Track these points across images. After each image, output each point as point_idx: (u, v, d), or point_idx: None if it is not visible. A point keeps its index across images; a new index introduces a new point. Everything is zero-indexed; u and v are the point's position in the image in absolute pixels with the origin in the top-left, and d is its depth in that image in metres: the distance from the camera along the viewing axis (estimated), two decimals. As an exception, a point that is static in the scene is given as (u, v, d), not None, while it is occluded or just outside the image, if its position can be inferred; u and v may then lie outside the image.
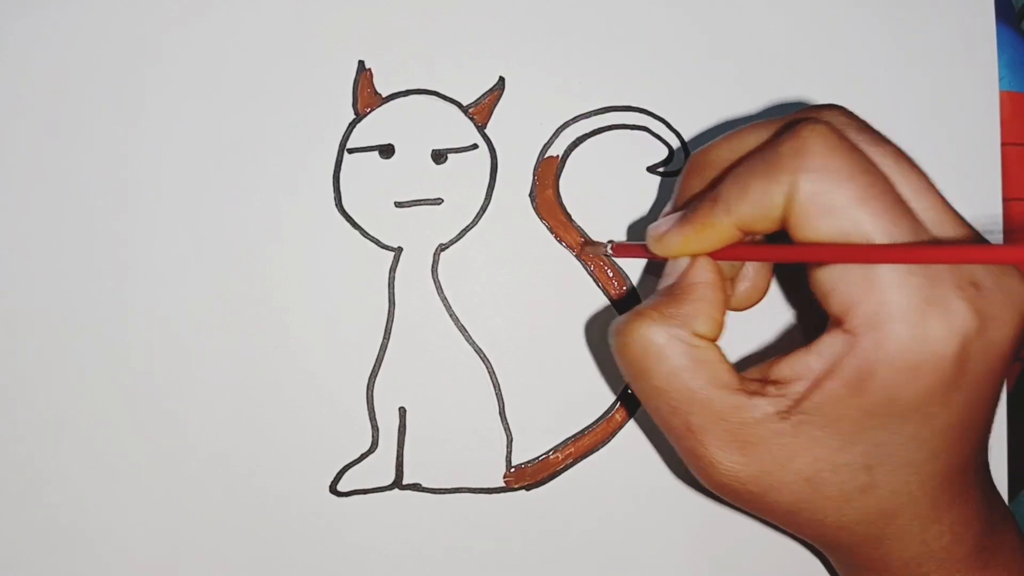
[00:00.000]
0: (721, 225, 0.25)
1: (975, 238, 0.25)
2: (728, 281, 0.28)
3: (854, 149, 0.24)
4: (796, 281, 0.33)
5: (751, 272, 0.29)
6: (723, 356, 0.26)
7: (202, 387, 0.32)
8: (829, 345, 0.24)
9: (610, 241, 0.31)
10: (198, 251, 0.33)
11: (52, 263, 0.33)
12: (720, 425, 0.25)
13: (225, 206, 0.33)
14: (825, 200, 0.23)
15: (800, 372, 0.25)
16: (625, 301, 0.33)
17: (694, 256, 0.26)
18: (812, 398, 0.24)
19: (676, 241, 0.26)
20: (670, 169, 0.33)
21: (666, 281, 0.27)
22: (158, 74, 0.33)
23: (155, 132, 0.33)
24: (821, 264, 0.24)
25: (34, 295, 0.33)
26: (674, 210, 0.28)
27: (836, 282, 0.24)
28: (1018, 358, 0.35)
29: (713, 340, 0.26)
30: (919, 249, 0.23)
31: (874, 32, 0.33)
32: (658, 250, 0.27)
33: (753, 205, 0.24)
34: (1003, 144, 0.33)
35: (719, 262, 0.27)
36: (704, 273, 0.26)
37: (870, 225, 0.23)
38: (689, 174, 0.28)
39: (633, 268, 0.33)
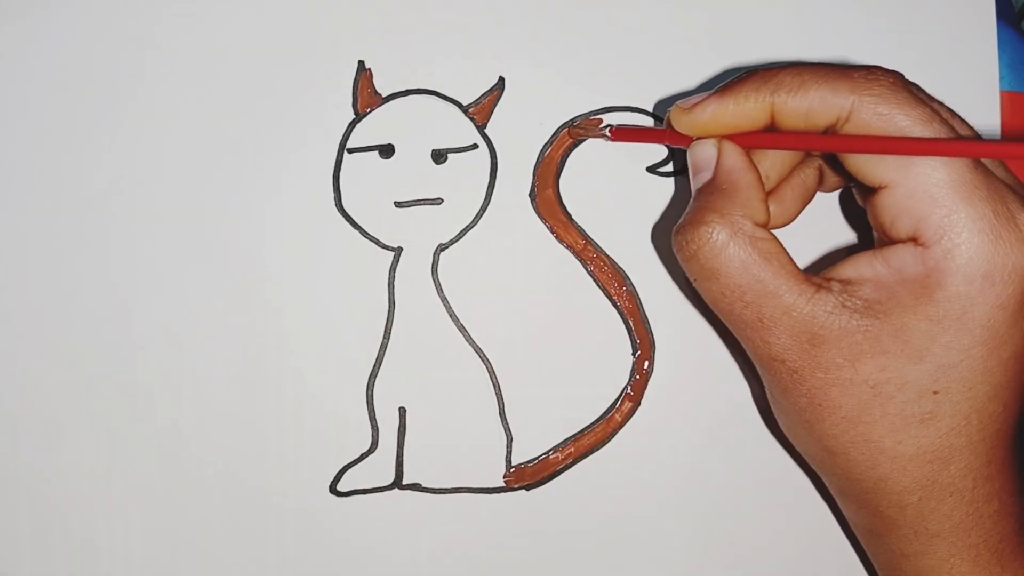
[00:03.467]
0: (763, 103, 0.25)
1: None
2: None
3: (918, 94, 0.25)
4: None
5: (788, 195, 0.29)
6: (784, 248, 0.26)
7: (202, 387, 0.32)
8: (898, 253, 0.25)
9: (607, 125, 0.31)
10: (198, 251, 0.33)
11: (51, 263, 0.33)
12: (791, 316, 0.25)
13: (225, 206, 0.33)
14: (888, 119, 0.24)
15: (866, 275, 0.25)
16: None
17: (722, 142, 0.27)
18: (881, 302, 0.24)
19: (709, 112, 0.26)
20: (669, 169, 0.33)
21: (701, 178, 0.27)
22: (157, 74, 0.33)
23: (155, 132, 0.33)
24: (882, 190, 0.24)
25: (33, 295, 0.33)
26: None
27: (904, 202, 0.24)
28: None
29: (767, 227, 0.26)
30: (970, 144, 0.23)
31: (874, 32, 0.33)
32: (683, 123, 0.27)
33: (805, 100, 0.25)
34: (1003, 144, 0.33)
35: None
36: (739, 159, 0.26)
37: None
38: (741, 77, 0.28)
39: (633, 268, 0.33)
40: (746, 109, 0.26)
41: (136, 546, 0.33)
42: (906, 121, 0.24)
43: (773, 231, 0.27)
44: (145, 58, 0.33)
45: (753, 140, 0.26)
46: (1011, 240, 0.23)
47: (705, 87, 0.33)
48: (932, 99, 0.26)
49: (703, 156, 0.27)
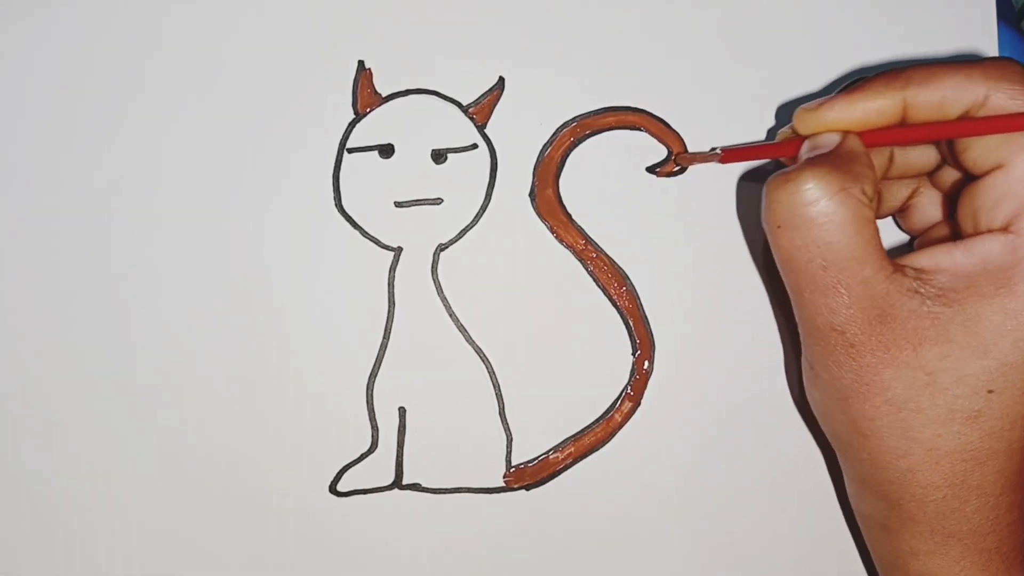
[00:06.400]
0: (894, 97, 0.25)
1: None
2: None
3: None
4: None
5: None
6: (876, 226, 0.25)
7: (202, 387, 0.32)
8: (984, 243, 0.24)
9: (713, 149, 0.30)
10: (198, 251, 0.33)
11: (51, 263, 0.33)
12: (866, 287, 0.24)
13: (225, 206, 0.33)
14: (1022, 106, 0.24)
15: (942, 264, 0.25)
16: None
17: (846, 133, 0.26)
18: (957, 291, 0.24)
19: (837, 110, 0.26)
20: (670, 169, 0.33)
21: (817, 151, 0.26)
22: (158, 74, 0.33)
23: (155, 132, 0.33)
24: (989, 175, 0.24)
25: (33, 295, 0.33)
26: None
27: (1014, 185, 0.24)
28: None
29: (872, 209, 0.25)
30: None
31: (875, 32, 0.33)
32: (808, 123, 0.26)
33: (938, 91, 0.25)
34: (1004, 144, 0.33)
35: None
36: (860, 145, 0.26)
37: None
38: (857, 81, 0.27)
39: (633, 268, 0.33)
40: (877, 106, 0.25)
41: (136, 546, 0.33)
42: None
43: None
44: (145, 58, 0.33)
45: (877, 136, 0.26)
46: None
47: (705, 87, 0.33)
48: None
49: (823, 140, 0.26)
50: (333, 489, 0.33)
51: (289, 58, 0.33)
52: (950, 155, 0.27)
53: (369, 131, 0.33)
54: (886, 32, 0.33)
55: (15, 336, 0.33)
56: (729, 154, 0.30)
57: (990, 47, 0.33)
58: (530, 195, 0.33)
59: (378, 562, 0.33)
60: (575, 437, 0.33)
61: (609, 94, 0.33)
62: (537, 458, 0.33)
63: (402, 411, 0.33)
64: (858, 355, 0.25)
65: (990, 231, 0.25)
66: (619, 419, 0.33)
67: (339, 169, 0.33)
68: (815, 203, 0.24)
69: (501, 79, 0.33)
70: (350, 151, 0.33)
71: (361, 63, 0.33)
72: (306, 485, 0.32)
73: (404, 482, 0.33)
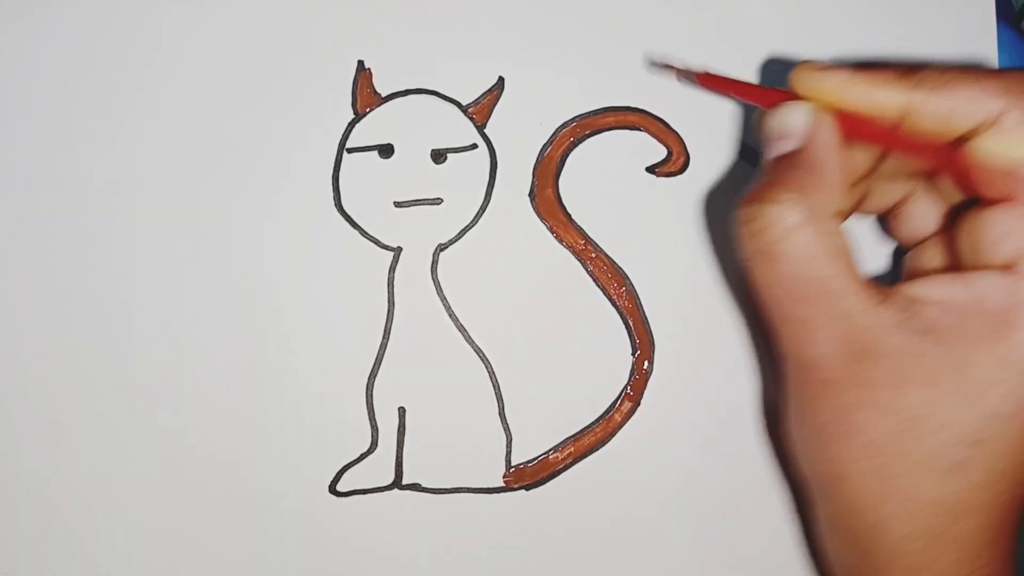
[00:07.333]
0: (898, 95, 0.23)
1: None
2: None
3: None
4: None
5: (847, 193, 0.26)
6: (852, 247, 0.23)
7: (201, 387, 0.32)
8: (984, 279, 0.22)
9: (692, 70, 0.29)
10: (197, 251, 0.33)
11: (51, 263, 0.33)
12: (842, 323, 0.23)
13: (224, 206, 0.33)
14: None
15: (937, 296, 0.23)
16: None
17: (820, 112, 0.24)
18: (949, 329, 0.22)
19: (837, 81, 0.24)
20: (670, 169, 0.33)
21: (782, 147, 0.24)
22: (157, 73, 0.33)
23: (154, 131, 0.33)
24: (995, 206, 0.22)
25: (33, 295, 0.33)
26: None
27: (1016, 224, 0.22)
28: None
29: (843, 219, 0.24)
30: None
31: (874, 32, 0.33)
32: (804, 83, 0.24)
33: (950, 101, 0.22)
34: (1004, 144, 0.33)
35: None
36: (832, 135, 0.24)
37: None
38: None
39: (633, 268, 0.33)
40: (879, 96, 0.23)
41: (136, 546, 0.33)
42: None
43: None
44: (145, 58, 0.33)
45: (863, 129, 0.24)
46: None
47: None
48: None
49: (792, 122, 0.24)
50: (333, 489, 0.33)
51: (289, 58, 0.33)
52: (955, 171, 0.25)
53: (369, 131, 0.33)
54: (886, 32, 0.33)
55: (15, 336, 0.33)
56: (706, 79, 0.28)
57: (990, 47, 0.33)
58: (530, 195, 0.33)
59: (378, 562, 0.33)
60: (575, 437, 0.33)
61: (609, 94, 0.33)
62: (537, 458, 0.33)
63: (402, 411, 0.33)
64: (836, 394, 0.23)
65: (990, 267, 0.23)
66: (619, 419, 0.33)
67: (339, 169, 0.33)
68: (781, 240, 0.23)
69: (501, 79, 0.33)
70: (350, 151, 0.33)
71: (361, 63, 0.33)
72: (306, 485, 0.32)
73: (404, 482, 0.33)
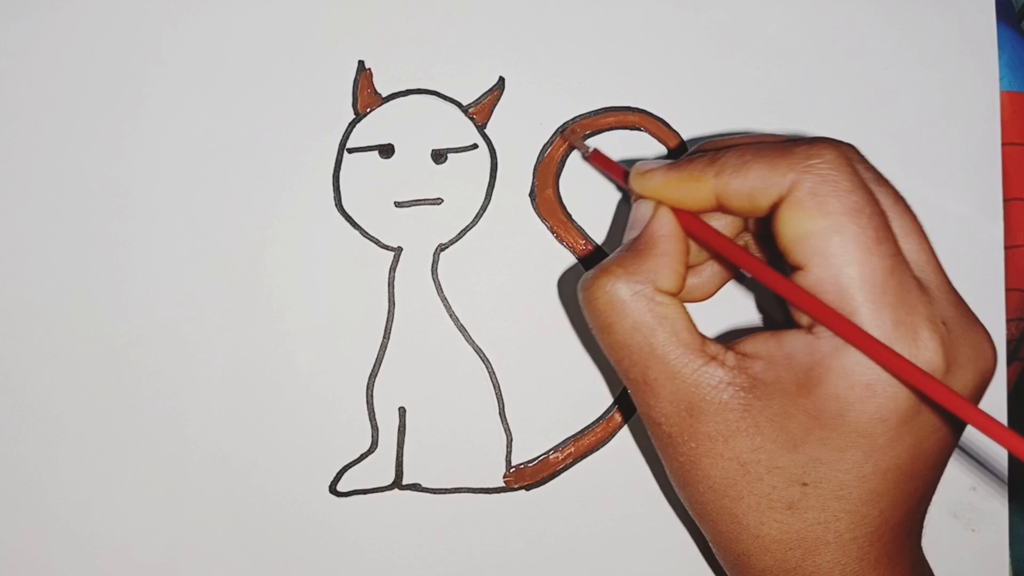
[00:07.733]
0: (706, 185, 0.25)
1: (950, 290, 0.25)
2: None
3: (859, 174, 0.24)
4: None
5: (707, 272, 0.29)
6: (686, 314, 0.26)
7: (202, 387, 0.32)
8: (791, 338, 0.24)
9: (594, 148, 0.31)
10: (198, 251, 0.33)
11: (51, 262, 0.33)
12: (674, 382, 0.25)
13: (225, 206, 0.33)
14: (821, 203, 0.23)
15: (761, 352, 0.25)
16: (593, 257, 0.33)
17: (659, 206, 0.26)
18: (768, 384, 0.24)
19: (657, 181, 0.26)
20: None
21: (631, 234, 0.27)
22: (157, 73, 0.33)
23: (154, 131, 0.33)
24: (797, 271, 0.24)
25: (33, 294, 0.33)
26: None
27: (812, 289, 0.23)
28: (1018, 357, 0.35)
29: (676, 295, 0.26)
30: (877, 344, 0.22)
31: (875, 32, 0.33)
32: (635, 184, 0.27)
33: (747, 182, 0.24)
34: (1003, 144, 0.33)
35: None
36: (667, 225, 0.26)
37: (854, 238, 0.23)
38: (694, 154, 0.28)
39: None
40: (690, 189, 0.26)
41: (136, 545, 0.33)
42: (837, 207, 0.23)
43: (686, 302, 0.26)
44: (146, 58, 0.33)
45: (688, 220, 0.26)
46: (904, 355, 0.22)
47: (705, 87, 0.33)
48: (880, 179, 0.25)
49: (639, 214, 0.27)
50: (333, 489, 0.33)
51: (289, 58, 0.33)
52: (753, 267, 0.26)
53: (369, 131, 0.33)
54: (886, 32, 0.33)
55: (15, 336, 0.33)
56: (597, 157, 0.31)
57: (990, 47, 0.33)
58: (530, 195, 0.33)
59: (378, 562, 0.33)
60: (575, 437, 0.33)
61: (609, 94, 0.33)
62: (537, 458, 0.33)
63: (402, 411, 0.33)
64: (678, 445, 0.25)
65: (799, 327, 0.24)
66: (619, 419, 0.33)
67: (339, 169, 0.33)
68: (609, 310, 0.25)
69: (501, 79, 0.33)
70: (350, 151, 0.33)
71: (361, 63, 0.33)
72: (306, 485, 0.32)
73: (404, 482, 0.33)
